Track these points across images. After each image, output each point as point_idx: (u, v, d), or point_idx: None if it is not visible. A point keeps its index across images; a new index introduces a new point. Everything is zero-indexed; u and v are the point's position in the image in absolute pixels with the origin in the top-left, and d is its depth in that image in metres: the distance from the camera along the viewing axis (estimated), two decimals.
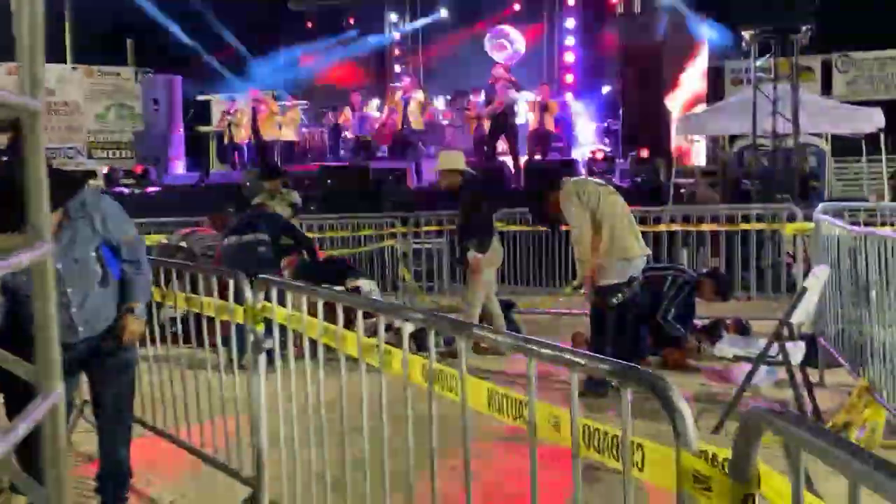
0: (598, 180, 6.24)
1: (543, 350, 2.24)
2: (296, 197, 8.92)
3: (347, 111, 16.52)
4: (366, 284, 7.39)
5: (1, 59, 24.76)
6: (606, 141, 14.70)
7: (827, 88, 17.22)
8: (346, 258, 9.24)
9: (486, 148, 14.40)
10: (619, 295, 5.59)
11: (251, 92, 16.34)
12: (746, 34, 10.63)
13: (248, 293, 3.38)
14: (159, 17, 23.14)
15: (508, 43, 17.00)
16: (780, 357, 4.61)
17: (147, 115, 17.61)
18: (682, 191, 13.11)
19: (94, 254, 3.32)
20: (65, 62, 26.31)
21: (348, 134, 17.45)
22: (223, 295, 3.72)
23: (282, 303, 3.27)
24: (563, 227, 6.11)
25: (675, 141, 14.52)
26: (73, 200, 3.18)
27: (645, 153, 12.16)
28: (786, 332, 4.64)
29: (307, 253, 7.31)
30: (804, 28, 10.44)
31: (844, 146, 16.49)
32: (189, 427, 4.13)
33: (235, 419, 3.82)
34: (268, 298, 3.34)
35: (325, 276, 7.54)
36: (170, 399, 4.26)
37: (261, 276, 3.36)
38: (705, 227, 8.23)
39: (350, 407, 2.98)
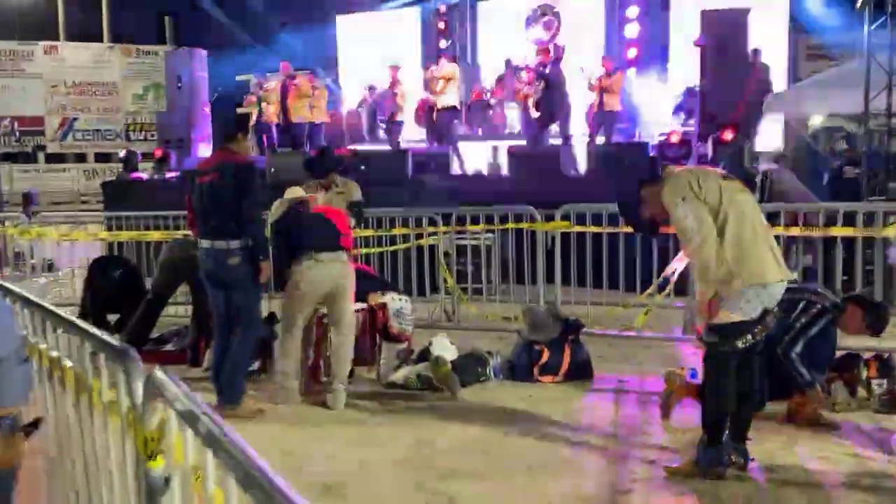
0: (720, 170, 4.51)
1: None
2: (357, 193, 6.73)
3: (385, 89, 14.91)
4: (394, 301, 5.81)
5: (38, 39, 24.11)
6: (680, 122, 12.86)
7: None
8: (369, 267, 7.64)
9: (535, 132, 12.72)
10: (748, 337, 3.91)
11: (283, 66, 14.80)
12: None
13: (138, 392, 1.81)
14: None
15: (554, 17, 15.29)
16: None
17: (170, 94, 16.19)
18: (765, 180, 11.30)
19: None
20: (101, 42, 25.35)
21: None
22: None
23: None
24: (665, 230, 4.45)
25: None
26: None
27: (729, 135, 10.32)
28: None
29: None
30: None
31: None
32: None
33: None
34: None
35: None
36: None
37: (150, 371, 1.75)
38: (837, 232, 6.32)
39: None
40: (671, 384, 5.06)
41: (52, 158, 24.37)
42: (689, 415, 4.83)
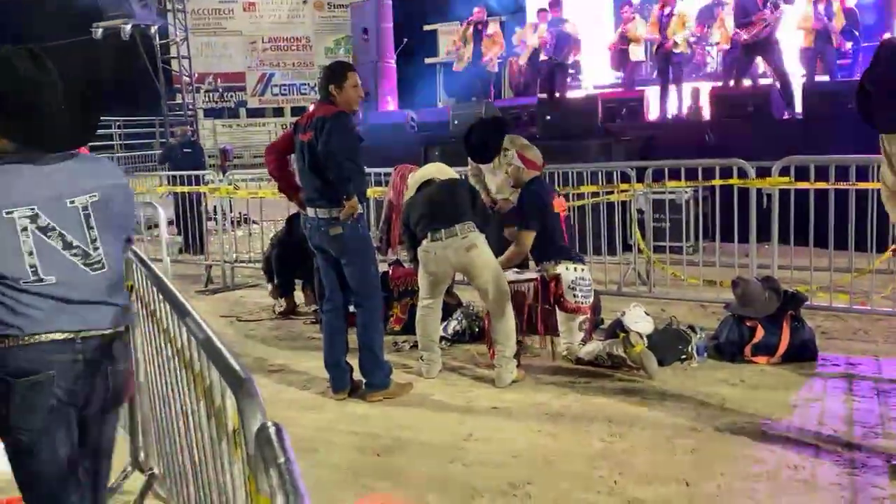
0: None
1: None
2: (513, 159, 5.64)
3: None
4: (568, 271, 5.16)
5: None
6: None
7: None
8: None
9: (737, 71, 11.49)
10: None
11: (476, 12, 14.27)
12: None
13: (250, 436, 1.38)
14: None
15: None
16: None
17: (357, 47, 16.17)
18: None
19: None
20: None
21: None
22: None
23: None
24: None
25: None
26: None
27: None
28: None
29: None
30: None
31: None
32: None
33: None
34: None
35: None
36: None
37: None
38: None
39: None
40: None
41: (253, 113, 25.42)
42: None
